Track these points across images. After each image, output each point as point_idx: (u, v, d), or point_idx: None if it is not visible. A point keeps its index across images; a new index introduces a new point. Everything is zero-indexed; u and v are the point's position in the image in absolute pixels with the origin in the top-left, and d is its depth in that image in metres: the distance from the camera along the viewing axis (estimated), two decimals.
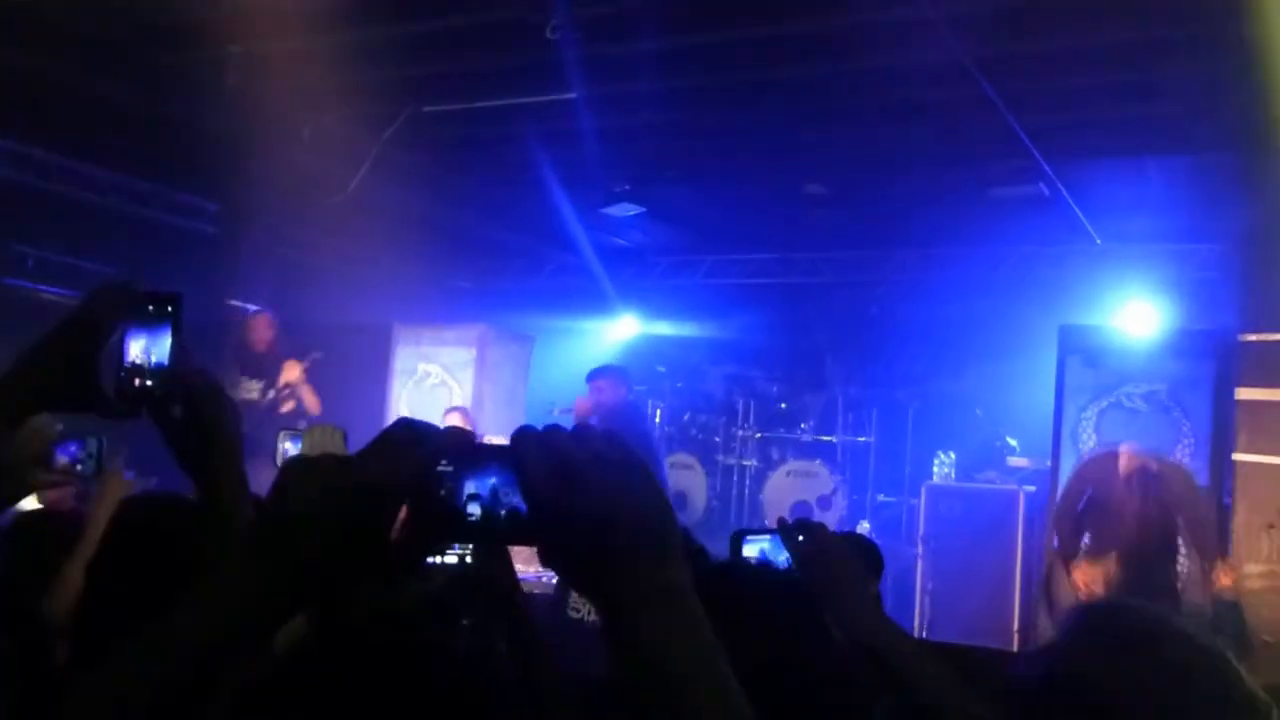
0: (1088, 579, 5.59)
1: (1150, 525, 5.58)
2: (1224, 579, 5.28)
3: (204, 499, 1.37)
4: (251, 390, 7.81)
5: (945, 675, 1.80)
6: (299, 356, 7.92)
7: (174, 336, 1.31)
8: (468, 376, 9.83)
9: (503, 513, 0.90)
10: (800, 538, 1.87)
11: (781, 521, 1.91)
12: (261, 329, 8.04)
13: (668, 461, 10.97)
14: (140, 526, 1.74)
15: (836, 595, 1.83)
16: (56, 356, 1.30)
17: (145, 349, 1.30)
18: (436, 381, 9.95)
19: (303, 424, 7.71)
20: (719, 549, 2.07)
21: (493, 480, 0.91)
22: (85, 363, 1.30)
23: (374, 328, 10.20)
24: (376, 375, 10.17)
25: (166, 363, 1.30)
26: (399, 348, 10.20)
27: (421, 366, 10.07)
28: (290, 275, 9.33)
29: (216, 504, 1.36)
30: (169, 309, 1.32)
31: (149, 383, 1.30)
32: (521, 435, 0.90)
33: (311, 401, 7.90)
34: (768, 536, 1.91)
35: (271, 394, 7.80)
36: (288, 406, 7.84)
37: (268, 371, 7.89)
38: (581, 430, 0.90)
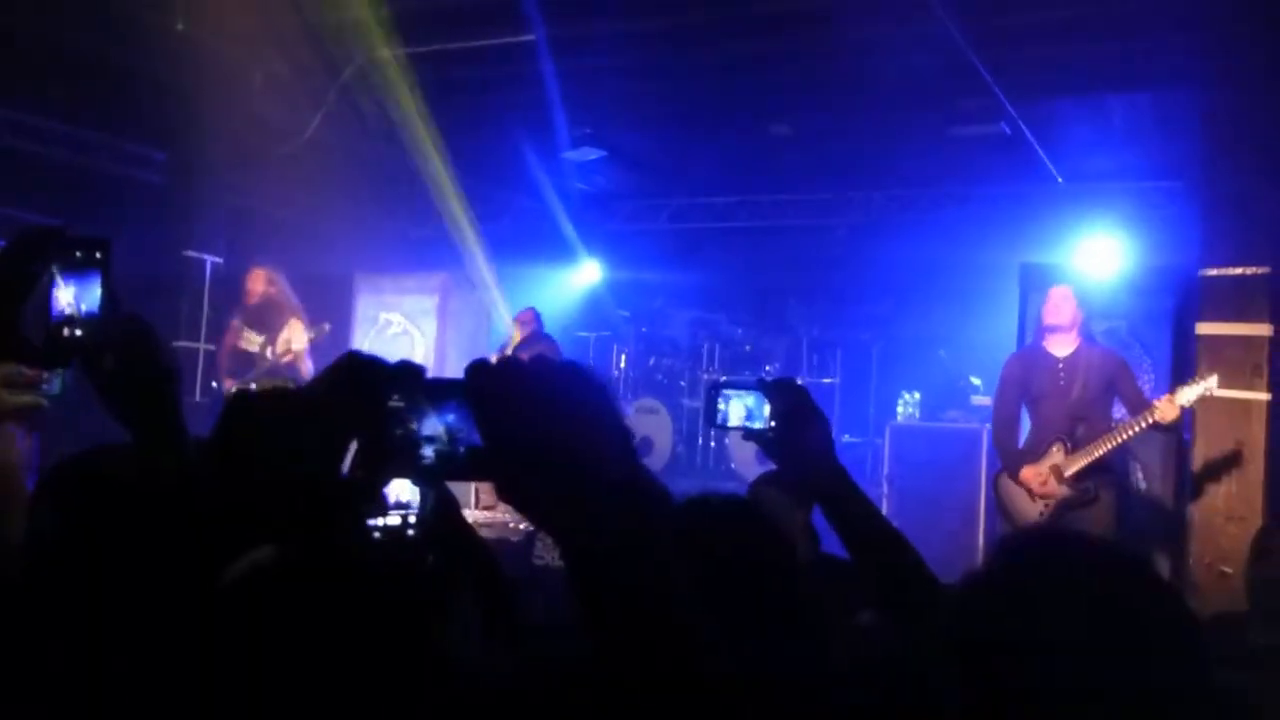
0: (1037, 477, 5.67)
1: (1090, 405, 5.68)
2: (1165, 413, 5.34)
3: (140, 449, 1.32)
4: (253, 343, 7.89)
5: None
6: (309, 322, 7.93)
7: (104, 283, 1.25)
8: (430, 325, 9.77)
9: (459, 448, 0.87)
10: (780, 394, 1.83)
11: (760, 379, 1.87)
12: (253, 282, 8.03)
13: (633, 406, 10.98)
14: (77, 477, 1.69)
15: (814, 454, 1.81)
16: None
17: (75, 297, 1.24)
18: (399, 330, 9.88)
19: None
20: (684, 492, 2.02)
21: (448, 416, 0.87)
22: (9, 312, 1.23)
23: (334, 277, 10.08)
24: (339, 325, 10.07)
25: (97, 311, 1.24)
26: (360, 297, 10.12)
27: (383, 315, 9.99)
28: (245, 225, 9.16)
29: (154, 453, 1.31)
30: (98, 255, 1.25)
31: (79, 332, 1.24)
32: (476, 369, 0.87)
33: (307, 374, 7.82)
34: (749, 393, 1.86)
35: (271, 351, 7.77)
36: (286, 360, 7.82)
37: (269, 325, 7.90)
38: (538, 362, 0.87)
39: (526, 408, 0.83)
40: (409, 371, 0.89)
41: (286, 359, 7.81)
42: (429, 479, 0.97)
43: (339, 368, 0.87)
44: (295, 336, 7.83)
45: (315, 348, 8.11)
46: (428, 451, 0.87)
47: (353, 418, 0.85)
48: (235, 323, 7.94)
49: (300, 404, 0.85)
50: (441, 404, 0.87)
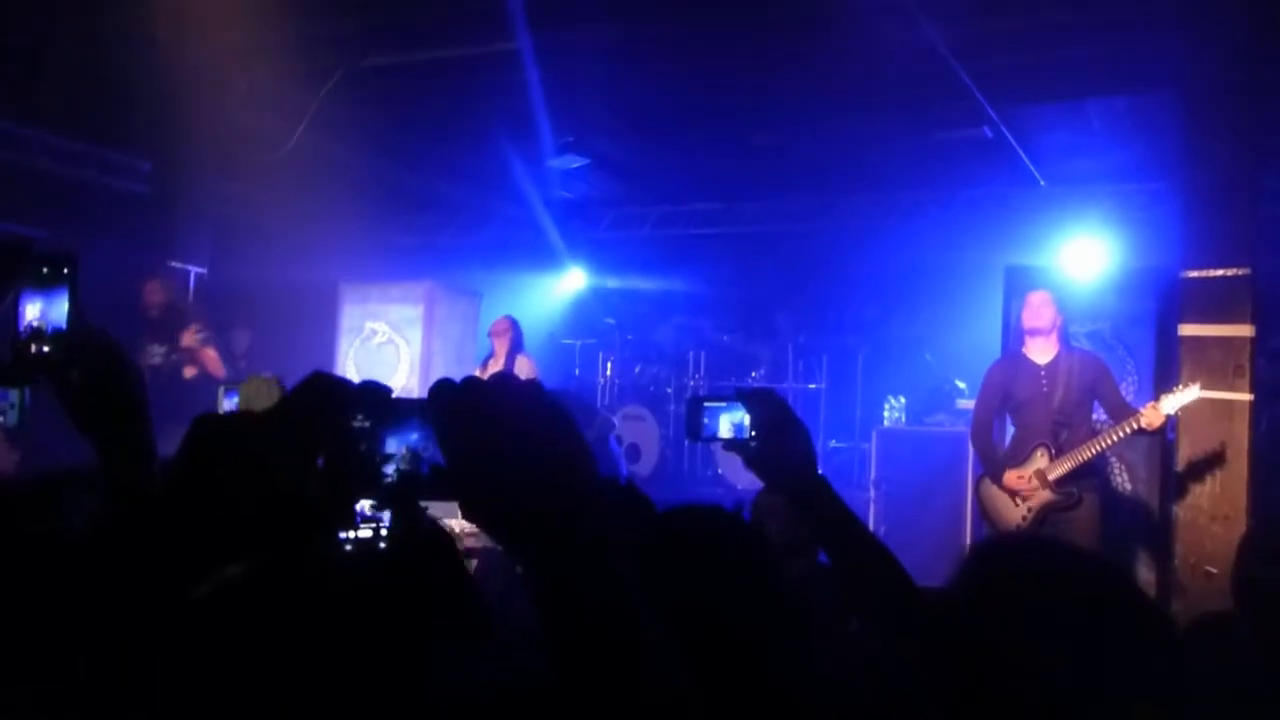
0: (1021, 481, 5.68)
1: (1073, 410, 5.70)
2: (1151, 420, 5.37)
3: (106, 465, 1.31)
4: (155, 355, 7.49)
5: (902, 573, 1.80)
6: (203, 324, 7.64)
7: (71, 298, 1.23)
8: (416, 334, 9.75)
9: (422, 468, 0.88)
10: (760, 405, 1.84)
11: (739, 390, 1.88)
12: (151, 293, 7.63)
13: (620, 414, 10.98)
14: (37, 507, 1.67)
15: (795, 464, 1.82)
16: None
17: (42, 313, 1.23)
18: (384, 340, 9.86)
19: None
20: (670, 499, 2.03)
21: (412, 435, 0.88)
22: None
23: (319, 286, 10.07)
24: (323, 334, 10.05)
25: (64, 326, 1.23)
26: (345, 306, 10.09)
27: (369, 325, 9.96)
28: (230, 235, 9.14)
29: (120, 469, 1.30)
30: (65, 270, 1.24)
31: (46, 348, 1.23)
32: (439, 389, 0.88)
33: (214, 367, 7.64)
34: (730, 406, 1.86)
35: (174, 358, 7.54)
36: (189, 372, 7.56)
37: (169, 336, 7.55)
38: (499, 382, 0.87)
39: (488, 428, 0.84)
40: (373, 392, 0.89)
41: (185, 359, 7.50)
42: (392, 498, 0.98)
43: (304, 388, 0.88)
44: (185, 336, 7.53)
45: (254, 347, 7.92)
46: (391, 470, 0.87)
47: (317, 437, 0.86)
48: (142, 340, 7.51)
49: (265, 424, 0.86)
50: (405, 424, 0.88)
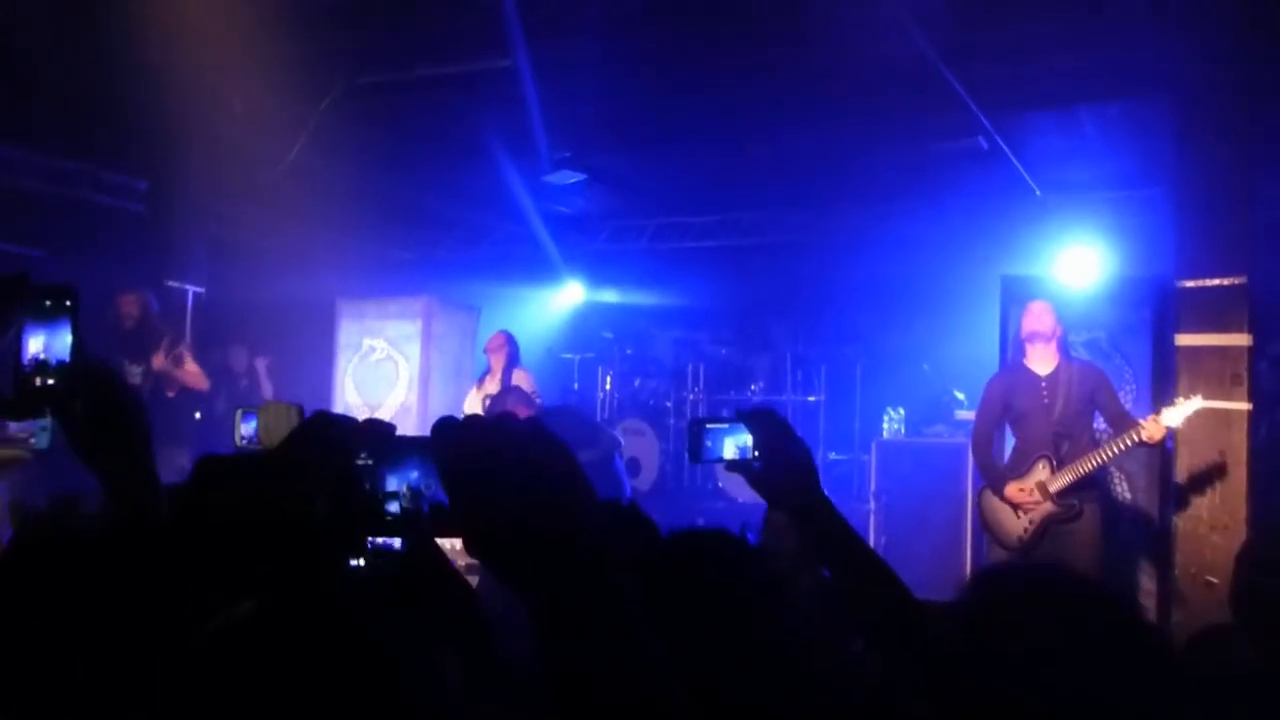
0: (1023, 494, 5.67)
1: (1073, 421, 5.69)
2: (1152, 433, 5.37)
3: (111, 496, 1.32)
4: (134, 375, 7.32)
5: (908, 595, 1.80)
6: (170, 340, 7.48)
7: (73, 330, 1.24)
8: (414, 349, 9.74)
9: (424, 505, 0.88)
10: (760, 425, 1.85)
11: (739, 410, 1.89)
12: (126, 307, 7.47)
13: (620, 428, 10.98)
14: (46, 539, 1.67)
15: (795, 483, 1.83)
16: None
17: (45, 345, 1.24)
18: (382, 356, 9.85)
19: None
20: (671, 514, 2.04)
21: (414, 473, 0.89)
22: None
23: (317, 303, 10.07)
24: (322, 352, 10.05)
25: (68, 359, 1.24)
26: (343, 323, 10.08)
27: (367, 341, 9.96)
28: (228, 253, 9.16)
29: (126, 500, 1.31)
30: (67, 303, 1.25)
31: (50, 381, 1.24)
32: (441, 426, 0.88)
33: (195, 381, 7.53)
34: (731, 427, 1.88)
35: (152, 376, 7.34)
36: (170, 391, 7.46)
37: (145, 351, 7.42)
38: (502, 419, 0.88)
39: (490, 466, 0.84)
40: (376, 430, 0.90)
41: (164, 379, 7.39)
42: (394, 534, 0.98)
43: (306, 427, 0.89)
44: (155, 359, 7.31)
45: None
46: (393, 508, 0.88)
47: (320, 476, 0.86)
48: (121, 360, 7.27)
49: (268, 463, 0.86)
50: (408, 461, 0.88)
